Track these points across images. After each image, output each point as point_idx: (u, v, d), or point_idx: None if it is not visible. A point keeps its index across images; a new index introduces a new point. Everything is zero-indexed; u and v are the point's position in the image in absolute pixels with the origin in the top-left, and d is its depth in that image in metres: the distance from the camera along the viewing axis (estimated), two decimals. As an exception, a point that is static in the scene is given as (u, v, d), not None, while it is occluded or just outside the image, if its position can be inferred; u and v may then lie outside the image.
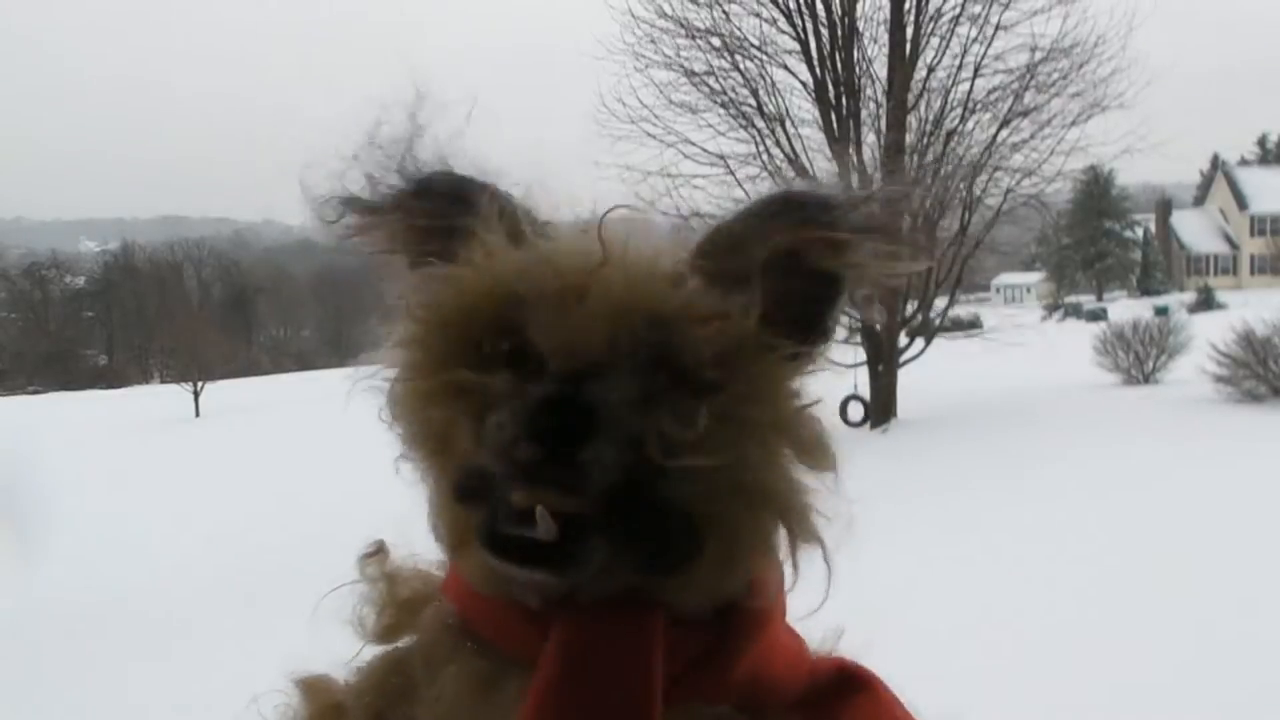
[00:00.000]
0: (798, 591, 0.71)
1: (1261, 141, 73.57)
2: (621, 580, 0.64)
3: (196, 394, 27.97)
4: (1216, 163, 66.47)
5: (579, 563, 0.62)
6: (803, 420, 0.68)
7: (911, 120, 13.04)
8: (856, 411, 12.61)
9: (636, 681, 0.64)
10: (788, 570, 0.70)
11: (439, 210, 0.71)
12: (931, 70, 13.07)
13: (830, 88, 13.08)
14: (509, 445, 0.61)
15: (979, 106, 13.04)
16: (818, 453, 0.68)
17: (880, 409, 12.82)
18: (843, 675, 0.74)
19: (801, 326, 0.67)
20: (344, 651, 0.74)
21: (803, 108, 13.43)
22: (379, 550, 0.78)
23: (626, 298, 0.63)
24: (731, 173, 13.20)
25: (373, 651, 0.74)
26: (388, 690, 0.72)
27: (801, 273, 0.67)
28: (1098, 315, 34.47)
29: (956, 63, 12.96)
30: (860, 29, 13.12)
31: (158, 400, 29.49)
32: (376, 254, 0.74)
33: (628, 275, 0.64)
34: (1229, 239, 62.66)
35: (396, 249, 0.74)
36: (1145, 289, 56.38)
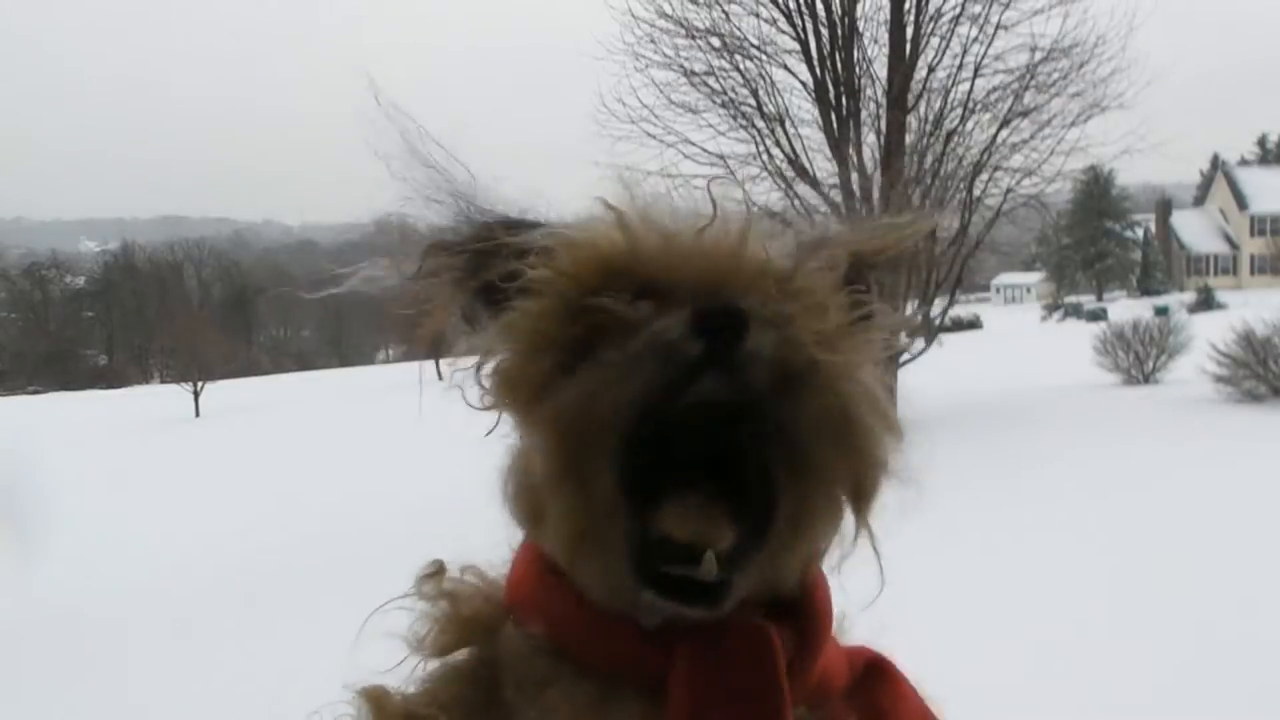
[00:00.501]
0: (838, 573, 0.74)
1: (1261, 141, 73.61)
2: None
3: (196, 394, 28.00)
4: (1216, 163, 66.50)
5: (731, 596, 0.64)
6: (881, 387, 0.71)
7: (911, 120, 13.03)
8: None
9: (775, 693, 0.65)
10: (838, 548, 0.72)
11: (496, 243, 0.73)
12: (931, 70, 13.06)
13: (830, 88, 13.07)
14: (676, 343, 0.62)
15: (979, 106, 13.02)
16: (891, 420, 0.70)
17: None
18: (870, 664, 0.77)
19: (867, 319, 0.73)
20: (391, 662, 0.74)
21: (803, 108, 13.43)
22: (438, 569, 0.77)
23: (749, 260, 0.67)
24: (731, 173, 13.19)
25: (428, 665, 0.74)
26: (467, 705, 0.71)
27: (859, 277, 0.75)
28: (1098, 315, 34.50)
29: (956, 63, 12.95)
30: (860, 29, 13.11)
31: (158, 400, 29.51)
32: (426, 288, 0.75)
33: (738, 243, 0.68)
34: (1229, 239, 62.68)
35: (450, 283, 0.74)
36: (1145, 289, 56.41)
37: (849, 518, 0.71)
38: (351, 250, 0.80)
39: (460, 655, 0.73)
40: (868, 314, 0.72)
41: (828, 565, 0.73)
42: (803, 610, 0.70)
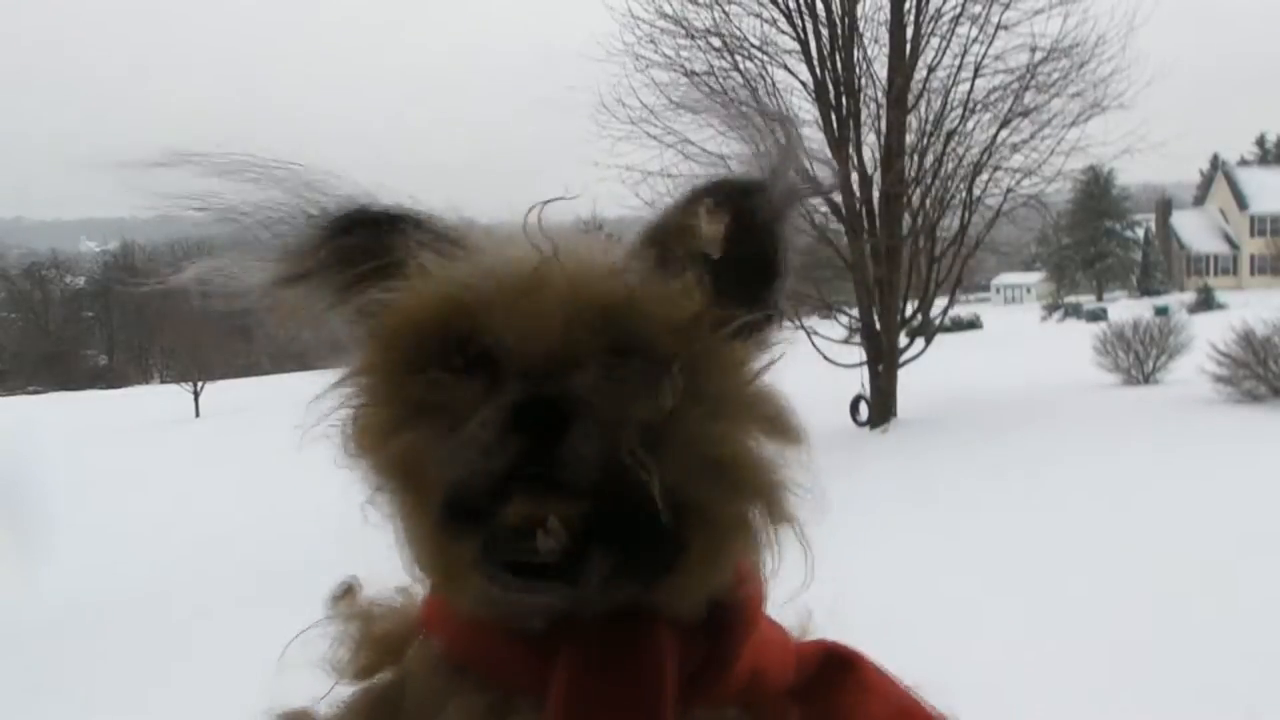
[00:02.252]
0: (776, 577, 0.71)
1: (1261, 141, 73.62)
2: (622, 594, 0.63)
3: (196, 394, 28.00)
4: (1216, 163, 66.50)
5: (583, 575, 0.61)
6: (765, 395, 0.68)
7: (911, 120, 13.03)
8: (865, 411, 12.65)
9: (653, 698, 0.63)
10: (768, 555, 0.69)
11: (366, 245, 0.69)
12: (931, 70, 13.06)
13: (830, 88, 13.07)
14: (494, 444, 0.60)
15: (979, 106, 13.02)
16: (784, 428, 0.68)
17: (880, 409, 12.83)
18: (829, 657, 0.74)
19: (750, 304, 0.68)
20: (319, 687, 0.72)
21: (803, 108, 13.41)
22: (349, 590, 0.76)
23: (573, 288, 0.63)
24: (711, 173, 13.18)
25: (347, 689, 0.72)
26: None
27: (740, 252, 0.68)
28: (1098, 315, 34.49)
29: (957, 63, 12.95)
30: (860, 29, 13.10)
31: (158, 400, 29.52)
32: (300, 300, 0.71)
33: (571, 268, 0.64)
34: (1229, 239, 62.67)
35: (323, 293, 0.71)
36: (1145, 289, 56.43)
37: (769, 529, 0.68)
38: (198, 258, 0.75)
39: (380, 678, 0.72)
40: (738, 302, 0.67)
41: (766, 568, 0.70)
42: (718, 617, 0.68)
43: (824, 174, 0.72)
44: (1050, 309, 47.98)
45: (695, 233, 0.66)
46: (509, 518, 0.60)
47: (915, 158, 13.00)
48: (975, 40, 12.85)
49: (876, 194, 12.97)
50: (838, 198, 12.07)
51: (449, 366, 0.64)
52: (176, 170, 0.68)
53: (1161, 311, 24.52)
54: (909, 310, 13.38)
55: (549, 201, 0.68)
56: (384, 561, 0.76)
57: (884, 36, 13.07)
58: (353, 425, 0.68)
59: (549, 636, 0.65)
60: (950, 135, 12.96)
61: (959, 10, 12.84)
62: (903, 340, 13.35)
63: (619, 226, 0.73)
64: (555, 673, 0.64)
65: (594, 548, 0.61)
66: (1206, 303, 39.54)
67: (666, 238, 0.68)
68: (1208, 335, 12.51)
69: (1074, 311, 43.33)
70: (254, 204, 0.69)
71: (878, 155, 12.88)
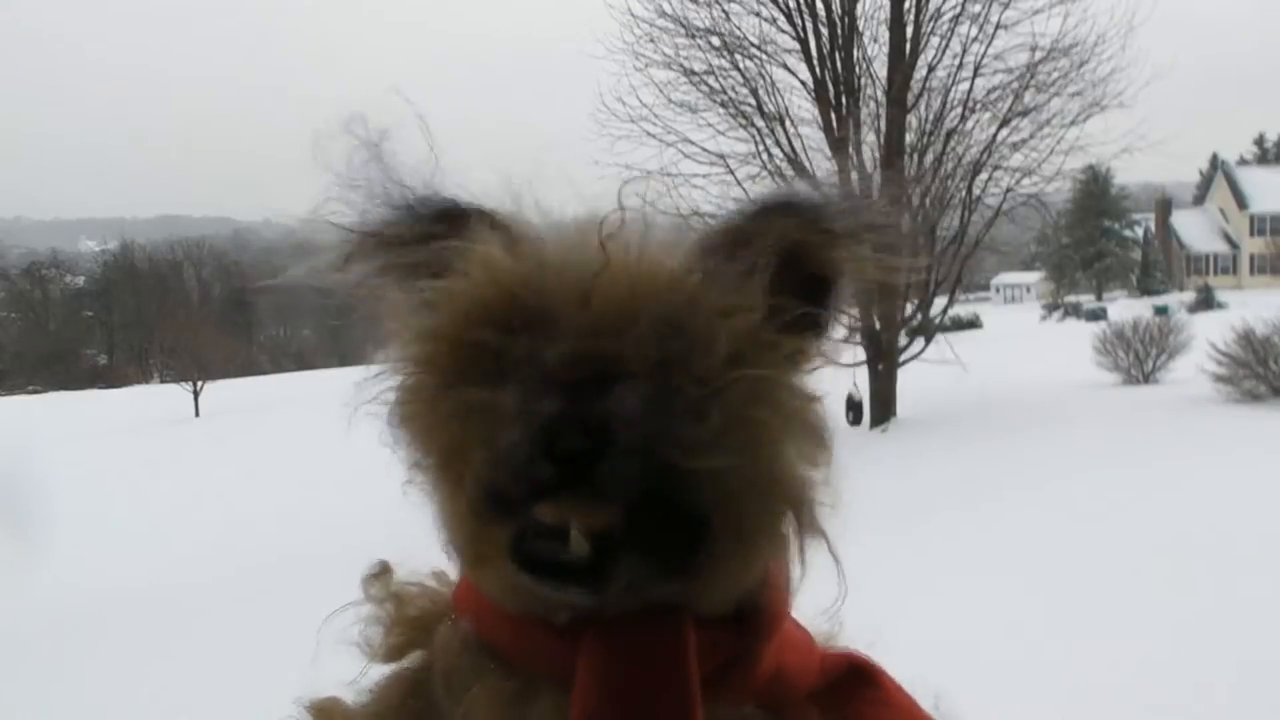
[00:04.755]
0: (806, 588, 0.72)
1: (1261, 141, 73.63)
2: (648, 592, 0.64)
3: (196, 394, 28.00)
4: (1216, 162, 66.47)
5: (611, 579, 0.62)
6: (806, 413, 0.68)
7: (911, 120, 13.03)
8: (856, 411, 12.66)
9: (677, 691, 0.64)
10: (795, 566, 0.71)
11: (428, 233, 0.70)
12: (931, 69, 13.06)
13: (830, 87, 13.07)
14: (525, 466, 0.60)
15: (979, 106, 13.03)
16: (819, 448, 0.68)
17: (880, 408, 12.83)
18: (853, 668, 0.75)
19: (801, 324, 0.67)
20: (347, 670, 0.73)
21: (803, 107, 13.43)
22: (383, 570, 0.77)
23: (631, 300, 0.63)
24: (731, 172, 13.20)
25: (380, 671, 0.73)
26: (407, 713, 0.71)
27: (799, 271, 0.67)
28: (1097, 315, 34.49)
29: (956, 62, 12.96)
30: (860, 28, 13.11)
31: (158, 400, 29.50)
32: (363, 284, 0.72)
33: (631, 277, 0.63)
34: (1229, 239, 62.66)
35: (387, 277, 0.72)
36: (1145, 289, 56.37)
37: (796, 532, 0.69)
38: (293, 246, 0.76)
39: (411, 659, 0.73)
40: (791, 322, 0.66)
41: (792, 569, 0.71)
42: (748, 613, 0.69)
43: (892, 231, 0.70)
44: (1050, 308, 47.96)
45: (771, 240, 0.66)
46: (542, 515, 0.61)
47: (915, 157, 13.00)
48: (975, 39, 12.88)
49: (876, 194, 12.97)
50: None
51: (498, 363, 0.63)
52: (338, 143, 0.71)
53: (1161, 311, 24.53)
54: (909, 310, 13.38)
55: (618, 209, 0.67)
56: (384, 560, 0.77)
57: (884, 35, 13.09)
58: (399, 409, 0.69)
59: (573, 627, 0.65)
60: (950, 134, 12.96)
61: (959, 9, 12.86)
62: (902, 340, 13.36)
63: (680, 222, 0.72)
64: (579, 661, 0.64)
65: (622, 555, 0.61)
66: (1206, 302, 39.53)
67: (733, 244, 0.67)
68: (1207, 335, 12.51)
69: (1074, 311, 43.31)
70: (369, 180, 0.71)
71: (878, 155, 12.88)
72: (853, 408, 12.72)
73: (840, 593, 0.73)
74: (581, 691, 0.63)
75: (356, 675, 0.73)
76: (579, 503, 0.60)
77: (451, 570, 0.76)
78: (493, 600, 0.68)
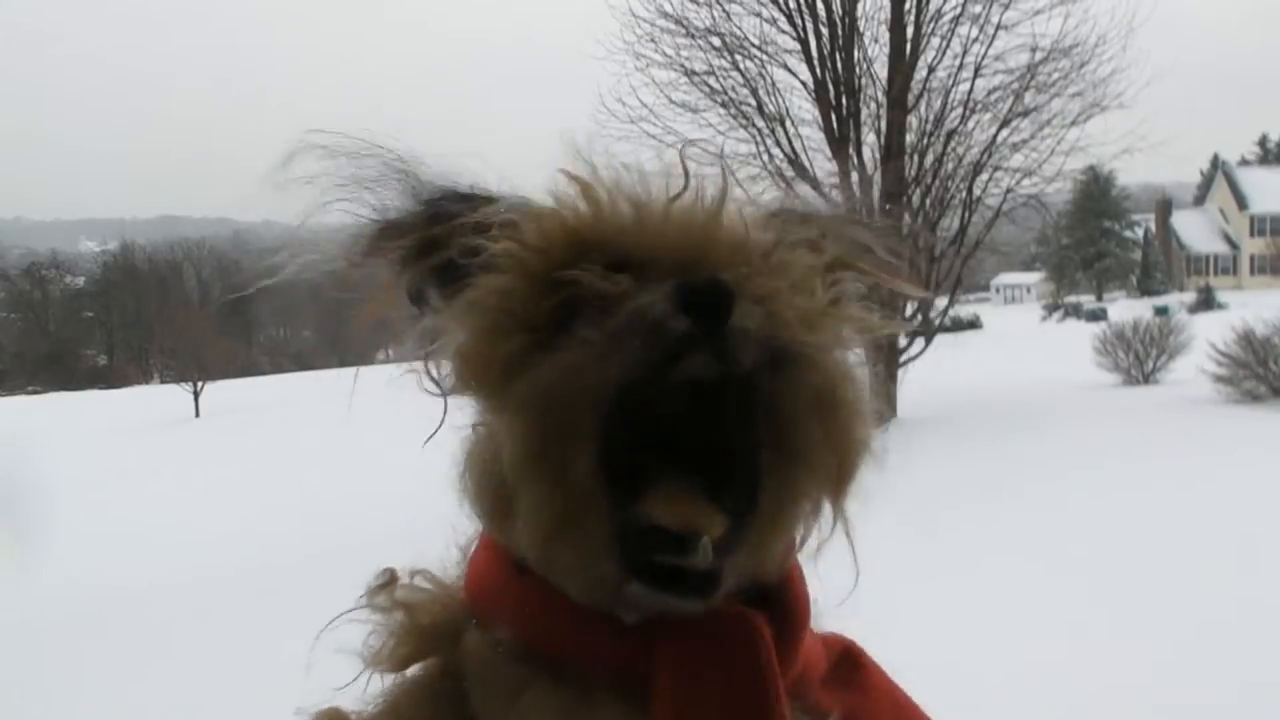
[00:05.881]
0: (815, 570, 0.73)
1: (1261, 141, 73.63)
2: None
3: (196, 394, 27.99)
4: (1216, 163, 66.47)
5: (723, 585, 0.61)
6: (863, 389, 0.70)
7: (912, 120, 13.02)
8: None
9: (764, 692, 0.63)
10: (816, 534, 0.71)
11: (450, 215, 0.70)
12: (932, 70, 13.06)
13: (830, 88, 13.07)
14: (662, 321, 0.59)
15: (979, 106, 13.03)
16: (870, 424, 0.70)
17: (880, 409, 12.81)
18: (847, 653, 0.76)
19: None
20: (345, 679, 0.71)
21: (803, 108, 13.42)
22: (390, 580, 0.73)
23: (738, 236, 0.66)
24: (731, 172, 13.17)
25: (387, 680, 0.70)
26: None
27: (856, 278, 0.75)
28: (1097, 315, 34.49)
29: (957, 63, 12.96)
30: (861, 29, 13.10)
31: (158, 400, 29.49)
32: (372, 276, 0.72)
33: (732, 217, 0.67)
34: (1229, 239, 62.67)
35: (400, 266, 0.71)
36: (1145, 289, 56.36)
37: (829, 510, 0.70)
38: (288, 243, 0.76)
39: (420, 668, 0.70)
40: (845, 297, 0.71)
41: (804, 554, 0.72)
42: (782, 598, 0.68)
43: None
44: (1050, 309, 47.97)
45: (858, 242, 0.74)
46: (663, 518, 0.59)
47: (915, 158, 13.00)
48: (975, 40, 12.87)
49: (876, 194, 12.98)
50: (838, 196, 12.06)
51: (603, 304, 0.62)
52: (306, 157, 0.70)
53: (1161, 311, 24.53)
54: (909, 310, 13.38)
55: (694, 143, 0.75)
56: (389, 568, 0.75)
57: (884, 36, 13.08)
58: (469, 359, 0.65)
59: (642, 625, 0.63)
60: (950, 135, 12.96)
61: (959, 10, 12.86)
62: (902, 340, 13.34)
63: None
64: (657, 664, 0.62)
65: (729, 563, 0.61)
66: (1206, 303, 39.54)
67: (804, 224, 0.72)
68: (1208, 335, 12.51)
69: (1074, 311, 43.32)
70: (363, 178, 0.71)
71: (878, 155, 12.88)
72: None
73: (855, 578, 0.73)
74: (663, 696, 0.62)
75: (360, 684, 0.70)
76: (695, 501, 0.60)
77: (451, 574, 0.74)
78: (556, 582, 0.64)
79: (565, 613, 0.64)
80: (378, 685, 0.70)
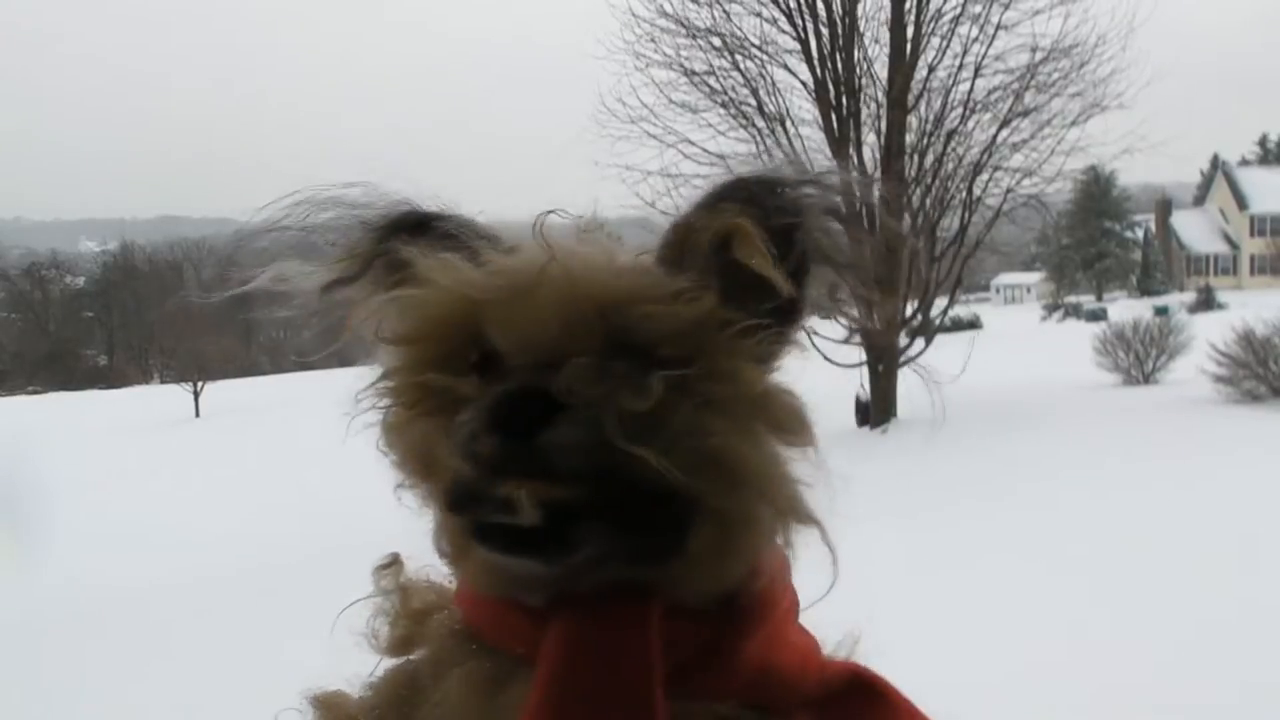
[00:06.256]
0: (803, 582, 0.72)
1: (1262, 141, 73.65)
2: (618, 572, 0.64)
3: (196, 394, 28.00)
4: (1216, 163, 66.46)
5: (567, 547, 0.62)
6: (775, 395, 0.68)
7: (912, 120, 13.03)
8: (864, 413, 12.66)
9: (636, 673, 0.63)
10: (788, 556, 0.70)
11: (401, 245, 0.72)
12: (932, 70, 13.06)
13: (830, 88, 13.07)
14: (470, 440, 0.62)
15: (979, 106, 13.03)
16: (793, 427, 0.68)
17: (880, 409, 12.83)
18: (856, 680, 0.73)
19: (769, 307, 0.67)
20: (357, 663, 0.75)
21: (803, 108, 13.43)
22: (393, 562, 0.78)
23: (574, 288, 0.65)
24: (732, 173, 13.18)
25: (387, 664, 0.75)
26: (396, 702, 0.72)
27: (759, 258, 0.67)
28: (1097, 315, 34.49)
29: (957, 63, 12.95)
30: (861, 29, 13.10)
31: (158, 400, 29.50)
32: (354, 299, 0.75)
33: (574, 268, 0.65)
34: (1229, 239, 62.66)
35: (368, 289, 0.75)
36: (1145, 289, 56.35)
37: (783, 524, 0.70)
38: (255, 252, 0.80)
39: (415, 652, 0.74)
40: (745, 313, 0.66)
41: (786, 564, 0.71)
42: (728, 605, 0.68)
43: (840, 178, 0.71)
44: (1050, 309, 47.97)
45: (711, 233, 0.67)
46: (496, 491, 0.62)
47: (915, 158, 13.00)
48: (975, 40, 12.87)
49: (876, 194, 12.97)
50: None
51: (460, 364, 0.68)
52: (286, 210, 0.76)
53: (1161, 311, 24.53)
54: (909, 310, 13.38)
55: (552, 211, 0.71)
56: (395, 551, 0.78)
57: (884, 36, 13.08)
58: (382, 422, 0.73)
59: (547, 609, 0.66)
60: (950, 135, 12.96)
61: (959, 10, 12.86)
62: (902, 340, 13.34)
63: (620, 227, 0.76)
64: (542, 645, 0.65)
65: (583, 524, 0.62)
66: (1206, 303, 39.54)
67: (683, 237, 0.69)
68: (1208, 335, 12.51)
69: (1074, 311, 43.33)
70: (321, 222, 0.76)
71: (878, 155, 12.88)
72: (860, 410, 12.72)
73: (832, 580, 0.72)
74: (543, 668, 0.64)
75: (364, 669, 0.74)
76: (520, 476, 0.61)
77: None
78: (474, 588, 0.71)
79: (488, 599, 0.70)
80: (382, 668, 0.74)
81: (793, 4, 12.99)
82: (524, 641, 0.67)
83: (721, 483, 0.64)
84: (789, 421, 0.68)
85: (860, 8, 13.08)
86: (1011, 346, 22.48)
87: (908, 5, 12.93)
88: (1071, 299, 53.53)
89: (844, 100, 13.08)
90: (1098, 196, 58.88)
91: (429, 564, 0.77)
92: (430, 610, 0.75)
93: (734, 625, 0.68)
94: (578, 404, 0.61)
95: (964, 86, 12.94)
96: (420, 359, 0.69)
